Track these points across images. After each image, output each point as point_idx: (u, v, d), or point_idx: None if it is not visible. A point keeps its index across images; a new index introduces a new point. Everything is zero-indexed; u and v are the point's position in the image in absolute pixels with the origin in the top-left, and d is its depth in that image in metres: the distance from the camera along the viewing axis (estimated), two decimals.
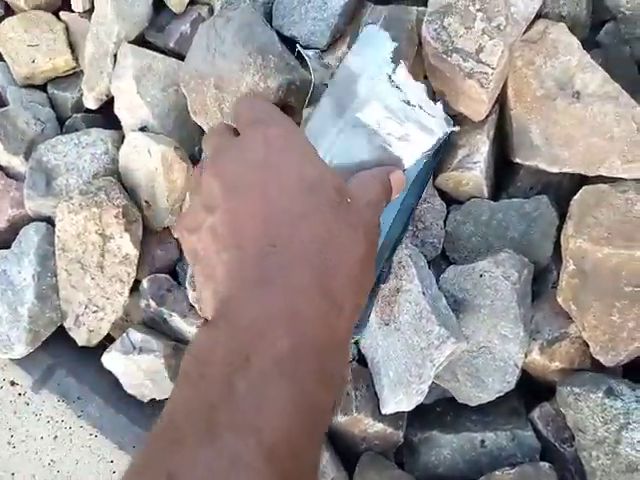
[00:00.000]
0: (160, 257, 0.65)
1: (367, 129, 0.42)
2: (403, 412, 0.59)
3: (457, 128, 0.48)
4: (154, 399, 0.62)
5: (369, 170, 0.39)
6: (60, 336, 0.65)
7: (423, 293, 0.54)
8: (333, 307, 0.28)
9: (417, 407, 0.60)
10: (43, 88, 0.73)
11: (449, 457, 0.61)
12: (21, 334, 0.61)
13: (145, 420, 0.63)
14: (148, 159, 0.61)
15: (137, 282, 0.64)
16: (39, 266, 0.62)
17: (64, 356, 0.66)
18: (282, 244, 0.29)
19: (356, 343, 0.62)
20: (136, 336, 0.60)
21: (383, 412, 0.57)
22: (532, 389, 0.61)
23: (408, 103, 0.40)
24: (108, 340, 0.66)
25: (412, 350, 0.54)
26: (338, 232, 0.31)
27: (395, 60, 0.38)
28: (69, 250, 0.62)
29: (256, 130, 0.35)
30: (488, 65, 0.55)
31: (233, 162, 0.33)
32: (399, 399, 0.54)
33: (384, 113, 0.40)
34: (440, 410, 0.63)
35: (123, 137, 0.65)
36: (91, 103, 0.66)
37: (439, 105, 0.42)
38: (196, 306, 0.59)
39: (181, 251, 0.66)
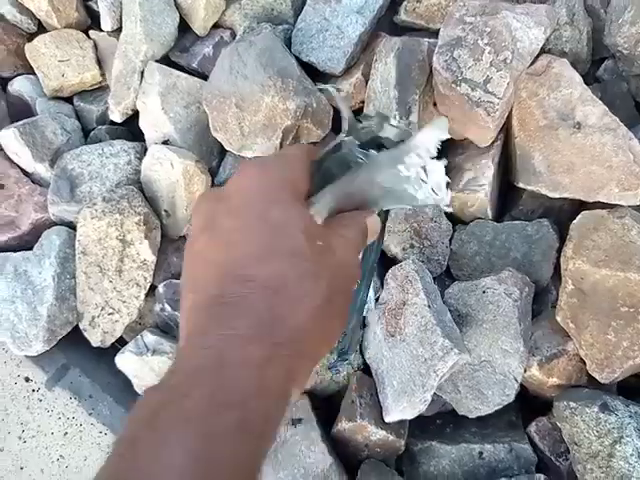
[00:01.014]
0: (176, 264, 0.68)
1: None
2: (406, 420, 0.61)
3: (449, 209, 0.48)
4: None
5: (347, 212, 0.37)
6: (75, 336, 0.67)
7: (429, 306, 0.57)
8: (272, 358, 0.27)
9: (418, 418, 0.62)
10: (70, 100, 0.77)
11: (448, 467, 0.62)
12: (39, 332, 0.63)
13: None
14: (170, 171, 0.64)
15: (152, 287, 0.66)
16: (59, 268, 0.65)
17: (78, 355, 0.68)
18: (230, 293, 0.28)
19: (361, 353, 0.64)
20: (150, 338, 0.63)
21: (386, 420, 0.59)
22: (529, 404, 0.63)
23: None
24: (120, 342, 0.68)
25: (416, 360, 0.57)
26: (295, 281, 0.29)
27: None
28: (89, 254, 0.64)
29: (233, 179, 0.34)
30: (495, 95, 0.59)
31: (209, 210, 0.33)
32: (403, 407, 0.57)
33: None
34: (440, 422, 0.65)
35: (146, 149, 0.68)
36: (117, 117, 0.70)
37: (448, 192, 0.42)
38: None
39: None
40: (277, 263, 0.29)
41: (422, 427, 0.64)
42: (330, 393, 0.66)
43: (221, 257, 0.30)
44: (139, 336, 0.63)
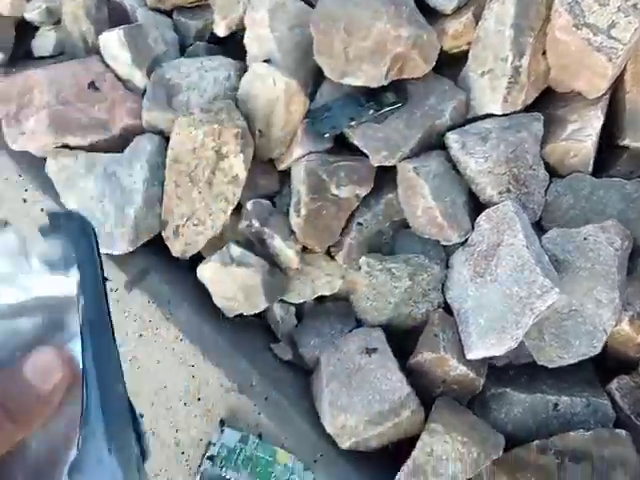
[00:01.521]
0: (262, 186, 0.68)
1: None
2: (486, 361, 0.60)
3: None
4: (240, 314, 0.64)
5: None
6: (156, 244, 0.67)
7: (527, 247, 0.56)
8: None
9: (491, 367, 0.62)
10: (169, 14, 0.76)
11: (519, 416, 0.62)
12: (125, 233, 0.63)
13: (228, 333, 0.65)
14: (271, 88, 0.64)
15: (236, 207, 0.66)
16: (149, 173, 0.64)
17: (158, 262, 0.68)
18: None
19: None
20: (236, 250, 0.62)
21: (468, 357, 0.58)
22: (603, 363, 0.62)
23: None
24: (198, 258, 0.68)
25: (510, 299, 0.56)
26: None
27: None
28: (181, 162, 0.64)
29: None
30: (619, 41, 0.57)
31: None
32: (490, 344, 0.56)
33: None
34: (513, 373, 0.65)
35: (245, 68, 0.68)
36: (221, 30, 0.69)
37: None
38: (297, 231, 0.62)
39: (281, 183, 0.68)
40: None
41: (496, 375, 0.63)
42: (405, 329, 0.65)
43: None
44: (225, 248, 0.63)
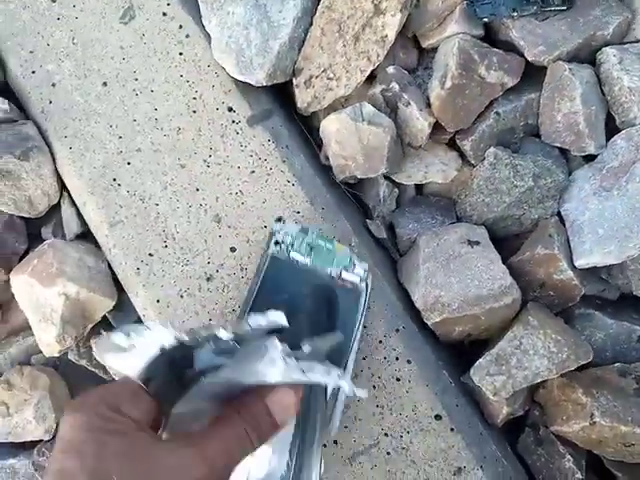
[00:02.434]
0: (400, 59, 0.67)
1: None
2: (590, 274, 0.60)
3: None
4: (345, 182, 0.64)
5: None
6: (278, 91, 0.66)
7: None
8: None
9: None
10: None
11: (600, 341, 0.62)
12: (265, 63, 0.62)
13: (335, 193, 0.65)
14: None
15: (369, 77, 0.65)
16: (301, 13, 0.63)
17: (280, 108, 0.67)
18: None
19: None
20: (368, 109, 0.62)
21: (578, 263, 0.58)
22: None
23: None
24: (315, 118, 0.67)
25: (638, 212, 0.56)
26: None
27: None
28: (335, 10, 0.63)
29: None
30: None
31: None
32: (608, 250, 0.56)
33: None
34: (599, 303, 0.65)
35: None
36: None
37: None
38: (436, 104, 0.61)
39: (418, 62, 0.67)
40: None
41: (585, 298, 0.63)
42: (505, 235, 0.65)
43: None
44: (358, 104, 0.62)
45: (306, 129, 0.71)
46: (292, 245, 0.57)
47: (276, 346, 0.37)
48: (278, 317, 0.39)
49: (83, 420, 0.33)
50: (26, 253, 0.71)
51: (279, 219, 0.60)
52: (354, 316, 0.57)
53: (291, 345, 0.38)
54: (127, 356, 0.35)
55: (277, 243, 0.57)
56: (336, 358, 0.54)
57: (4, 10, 0.68)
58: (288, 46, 0.63)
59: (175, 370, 0.36)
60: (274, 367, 0.36)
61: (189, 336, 0.37)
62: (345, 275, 0.57)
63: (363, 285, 0.58)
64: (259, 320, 0.39)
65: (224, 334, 0.37)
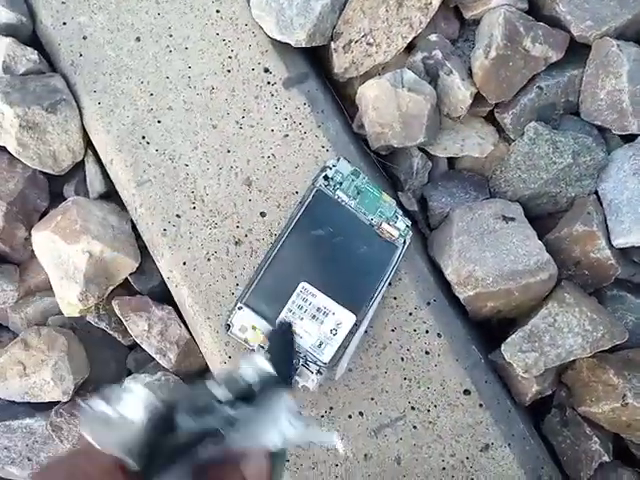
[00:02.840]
0: (442, 29, 0.65)
1: None
2: (625, 256, 0.59)
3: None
4: (377, 152, 0.62)
5: None
6: (315, 54, 0.65)
7: None
8: None
9: None
10: None
11: (631, 324, 0.61)
12: (306, 24, 0.61)
13: (369, 162, 0.64)
14: None
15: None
16: None
17: (317, 72, 0.66)
18: None
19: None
20: (409, 75, 0.60)
21: (616, 242, 0.57)
22: None
23: None
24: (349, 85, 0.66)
25: None
26: None
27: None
28: None
29: None
30: None
31: None
32: None
33: None
34: (633, 286, 0.64)
35: None
36: None
37: None
38: (479, 74, 0.60)
39: (459, 32, 0.66)
40: None
41: (617, 281, 0.62)
42: (540, 213, 0.64)
43: None
44: (398, 70, 0.61)
45: (338, 96, 0.69)
46: (340, 184, 0.57)
47: (283, 405, 0.35)
48: (263, 364, 0.38)
49: None
50: (46, 211, 0.69)
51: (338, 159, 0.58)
52: (384, 268, 0.56)
53: None
54: (113, 428, 0.32)
55: (326, 178, 0.57)
56: (356, 306, 0.54)
57: None
58: (330, 8, 0.62)
59: (158, 436, 0.33)
60: (275, 427, 0.35)
61: (171, 397, 0.34)
62: (385, 226, 0.57)
63: (401, 241, 0.57)
64: (250, 373, 0.37)
65: (221, 394, 0.35)
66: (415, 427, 0.57)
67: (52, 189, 0.69)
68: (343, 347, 0.55)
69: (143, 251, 0.65)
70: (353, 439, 0.57)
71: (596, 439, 0.59)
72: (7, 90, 0.61)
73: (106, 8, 0.65)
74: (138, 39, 0.64)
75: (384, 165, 0.68)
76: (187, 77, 0.63)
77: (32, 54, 0.64)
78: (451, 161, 0.69)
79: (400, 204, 0.66)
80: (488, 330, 0.65)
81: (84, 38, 0.65)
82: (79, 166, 0.68)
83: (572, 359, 0.57)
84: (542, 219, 0.65)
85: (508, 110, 0.62)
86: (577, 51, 0.62)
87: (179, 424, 0.33)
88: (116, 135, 0.63)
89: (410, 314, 0.59)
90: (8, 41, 0.63)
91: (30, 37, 0.67)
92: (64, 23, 0.65)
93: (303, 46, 0.62)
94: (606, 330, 0.55)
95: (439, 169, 0.69)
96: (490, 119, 0.66)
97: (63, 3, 0.65)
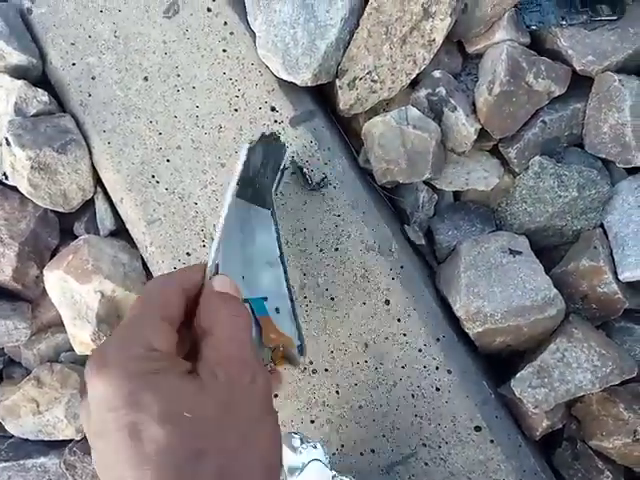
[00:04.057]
0: (445, 64, 0.66)
1: None
2: (632, 289, 0.59)
3: None
4: (383, 186, 0.63)
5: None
6: (319, 93, 0.65)
7: None
8: None
9: None
10: None
11: (639, 355, 0.61)
12: (312, 63, 0.61)
13: (374, 197, 0.64)
14: None
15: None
16: (349, 14, 0.62)
17: (322, 110, 0.66)
18: None
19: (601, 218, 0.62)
20: (414, 113, 0.61)
21: (622, 277, 0.57)
22: None
23: None
24: (354, 121, 0.66)
25: None
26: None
27: None
28: (383, 12, 0.62)
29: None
30: None
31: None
32: None
33: None
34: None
35: None
36: None
37: None
38: (482, 109, 0.60)
39: (463, 65, 0.67)
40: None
41: (625, 312, 0.62)
42: (545, 245, 0.64)
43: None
44: (403, 107, 0.62)
45: (343, 131, 0.70)
46: None
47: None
48: None
49: (118, 373, 0.31)
50: (57, 249, 0.70)
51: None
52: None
53: None
54: None
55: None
56: None
57: (48, 0, 0.67)
58: (334, 46, 0.62)
59: None
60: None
61: None
62: None
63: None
64: None
65: None
66: (426, 464, 0.57)
67: (62, 226, 0.70)
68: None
69: None
70: (365, 477, 0.57)
71: (608, 473, 0.59)
72: (19, 132, 0.62)
73: (114, 48, 0.66)
74: (146, 79, 0.65)
75: (390, 199, 0.68)
76: (195, 116, 0.64)
77: (43, 95, 0.65)
78: (456, 193, 0.69)
79: (407, 238, 0.66)
80: (497, 362, 0.65)
81: (93, 78, 0.66)
82: (88, 203, 0.69)
83: (581, 394, 0.57)
84: (549, 250, 0.65)
85: (512, 145, 0.63)
86: (580, 84, 0.63)
87: None
88: (126, 174, 0.64)
89: (420, 351, 0.59)
90: (20, 83, 0.64)
91: (39, 78, 0.68)
92: (73, 64, 0.66)
93: (309, 85, 0.63)
94: (615, 365, 0.55)
95: (445, 201, 0.69)
96: (495, 152, 0.66)
97: (72, 44, 0.66)
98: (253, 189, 0.52)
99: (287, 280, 0.55)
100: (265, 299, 0.51)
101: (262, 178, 0.54)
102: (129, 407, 0.30)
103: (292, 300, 0.55)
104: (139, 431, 0.29)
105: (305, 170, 0.61)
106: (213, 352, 0.35)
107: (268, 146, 0.52)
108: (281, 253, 0.55)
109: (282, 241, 0.56)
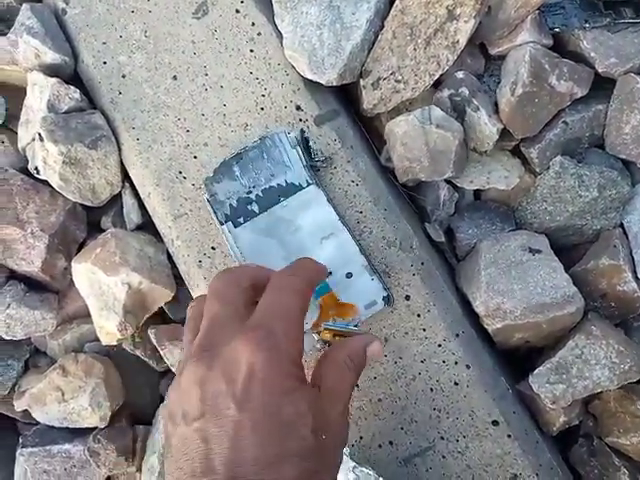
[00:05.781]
0: (468, 65, 0.67)
1: None
2: None
3: None
4: (404, 184, 0.64)
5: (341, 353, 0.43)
6: (343, 92, 0.67)
7: None
8: None
9: None
10: None
11: None
12: (337, 63, 0.63)
13: (395, 194, 0.65)
14: None
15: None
16: (374, 16, 0.64)
17: (346, 109, 0.68)
18: None
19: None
20: (437, 113, 0.62)
21: None
22: None
23: None
24: (376, 120, 0.68)
25: None
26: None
27: None
28: (408, 14, 0.63)
29: (249, 344, 0.34)
30: None
31: (210, 390, 0.33)
32: None
33: None
34: None
35: None
36: None
37: None
38: (505, 110, 0.61)
39: (485, 66, 0.68)
40: (287, 468, 0.31)
41: None
42: (564, 244, 0.65)
43: (226, 453, 0.30)
44: (427, 107, 0.63)
45: (366, 129, 0.71)
46: None
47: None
48: None
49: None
50: (84, 242, 0.72)
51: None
52: None
53: None
54: None
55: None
56: None
57: (81, 1, 0.69)
58: (360, 47, 0.64)
59: None
60: None
61: None
62: None
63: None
64: None
65: None
66: (444, 457, 0.58)
67: (89, 220, 0.72)
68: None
69: (177, 280, 0.67)
70: (383, 468, 0.58)
71: (625, 470, 0.59)
72: (52, 128, 0.64)
73: (144, 48, 0.68)
74: (175, 77, 0.67)
75: (411, 197, 0.70)
76: (222, 114, 0.66)
77: (75, 93, 0.67)
78: (477, 192, 0.70)
79: (427, 235, 0.67)
80: (515, 358, 0.66)
81: (123, 77, 0.68)
82: (115, 198, 0.71)
83: (599, 391, 0.57)
84: (568, 249, 0.66)
85: (534, 145, 0.64)
86: (602, 85, 0.64)
87: None
88: (154, 170, 0.65)
89: (439, 345, 0.60)
90: (53, 81, 0.66)
91: (71, 76, 0.70)
92: (104, 62, 0.68)
93: (334, 85, 0.64)
94: (633, 363, 0.56)
95: (465, 200, 0.70)
96: (516, 152, 0.67)
97: (104, 43, 0.68)
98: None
99: (354, 237, 0.59)
100: (329, 274, 0.55)
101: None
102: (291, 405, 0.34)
103: (366, 256, 0.58)
104: (297, 429, 0.33)
105: (311, 143, 0.62)
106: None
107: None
108: (340, 216, 0.59)
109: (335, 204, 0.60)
